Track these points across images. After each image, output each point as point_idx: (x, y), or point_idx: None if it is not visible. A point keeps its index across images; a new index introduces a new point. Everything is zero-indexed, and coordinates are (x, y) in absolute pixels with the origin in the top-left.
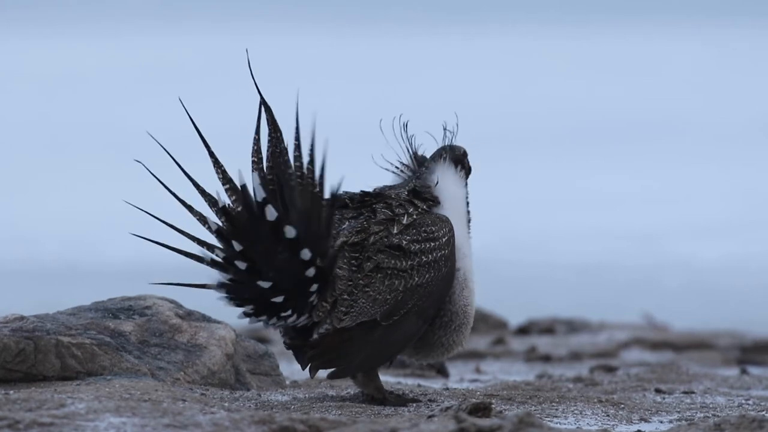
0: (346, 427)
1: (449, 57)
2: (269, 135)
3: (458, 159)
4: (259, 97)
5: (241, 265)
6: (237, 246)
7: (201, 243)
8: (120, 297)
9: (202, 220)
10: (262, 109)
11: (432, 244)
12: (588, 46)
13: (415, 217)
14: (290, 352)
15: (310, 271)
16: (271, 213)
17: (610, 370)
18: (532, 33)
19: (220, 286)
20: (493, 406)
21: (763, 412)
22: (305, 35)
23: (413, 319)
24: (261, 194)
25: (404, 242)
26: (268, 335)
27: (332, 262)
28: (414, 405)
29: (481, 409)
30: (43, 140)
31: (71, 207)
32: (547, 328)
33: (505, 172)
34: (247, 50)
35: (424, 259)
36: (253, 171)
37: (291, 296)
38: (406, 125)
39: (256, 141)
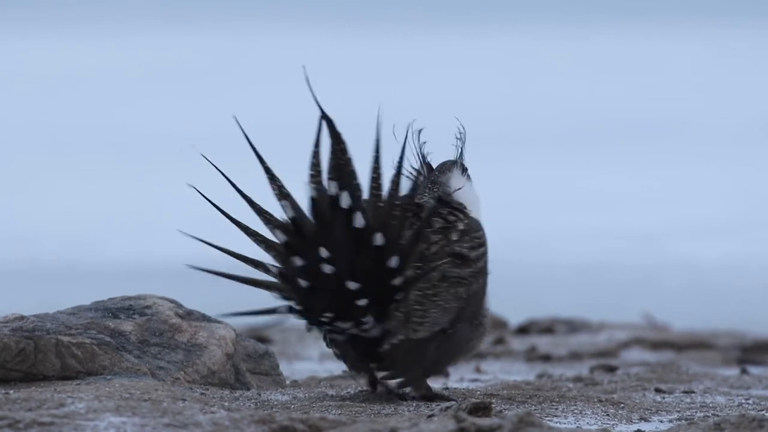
0: (346, 427)
1: (449, 57)
2: (332, 147)
3: (465, 170)
4: (319, 111)
5: (327, 268)
6: (324, 252)
7: (256, 264)
8: (120, 296)
9: (260, 239)
10: (323, 122)
11: (482, 249)
12: (588, 46)
13: (466, 222)
14: (290, 352)
15: (398, 280)
16: (359, 220)
17: (610, 369)
18: (532, 33)
19: (293, 307)
20: (493, 405)
21: (763, 412)
22: (305, 35)
23: (467, 324)
24: (347, 202)
25: (465, 250)
26: (268, 335)
27: (424, 275)
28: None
29: (481, 409)
30: (43, 140)
31: (71, 207)
32: (547, 328)
33: (505, 172)
34: (304, 66)
35: (479, 265)
36: (310, 183)
37: (375, 302)
38: (419, 132)
39: (315, 154)
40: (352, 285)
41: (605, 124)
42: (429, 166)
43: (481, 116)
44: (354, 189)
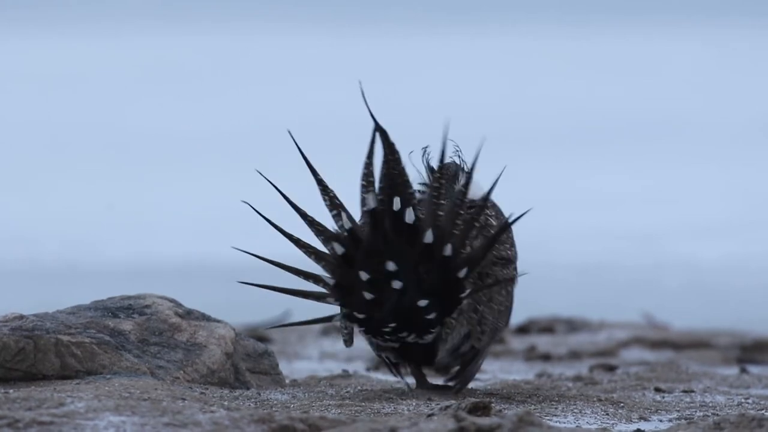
0: (345, 426)
1: (449, 57)
2: (385, 158)
3: (464, 169)
4: (373, 123)
5: (396, 284)
6: (391, 266)
7: (308, 276)
8: (119, 296)
9: (313, 253)
10: (377, 134)
11: (515, 246)
12: (588, 46)
13: (498, 220)
14: (289, 351)
15: (465, 290)
16: (428, 235)
17: (610, 369)
18: (532, 33)
19: (355, 316)
20: (492, 404)
21: (763, 411)
22: (305, 35)
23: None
24: (411, 216)
25: (509, 252)
26: (267, 334)
27: (492, 285)
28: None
29: (480, 408)
30: (43, 140)
31: (71, 207)
32: (547, 327)
33: (505, 171)
34: (360, 81)
35: (516, 263)
36: (365, 193)
37: (442, 313)
38: (425, 150)
39: (368, 165)
40: (423, 302)
41: (605, 124)
42: (432, 169)
43: (481, 116)
44: (409, 198)
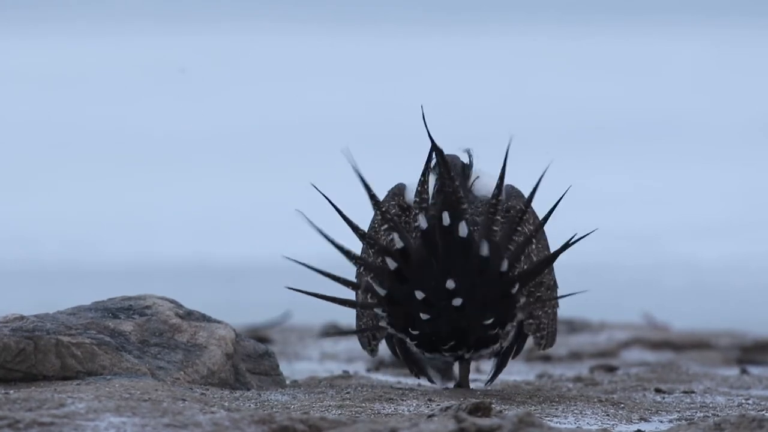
0: (345, 427)
1: (449, 57)
2: (441, 177)
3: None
4: (431, 144)
5: (457, 301)
6: (451, 284)
7: (351, 285)
8: (120, 297)
9: (364, 265)
10: (433, 153)
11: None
12: (588, 46)
13: (533, 220)
14: (290, 352)
15: (521, 304)
16: (484, 248)
17: (610, 369)
18: (532, 33)
19: (410, 333)
20: (493, 405)
21: (763, 412)
22: (305, 35)
23: None
24: (465, 231)
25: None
26: (268, 335)
27: (545, 300)
28: (424, 402)
29: (481, 409)
30: (44, 140)
31: (71, 207)
32: None
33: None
34: (422, 106)
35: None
36: (420, 212)
37: (501, 326)
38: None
39: (422, 183)
40: (487, 320)
41: (605, 124)
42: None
43: (481, 116)
44: (462, 214)
